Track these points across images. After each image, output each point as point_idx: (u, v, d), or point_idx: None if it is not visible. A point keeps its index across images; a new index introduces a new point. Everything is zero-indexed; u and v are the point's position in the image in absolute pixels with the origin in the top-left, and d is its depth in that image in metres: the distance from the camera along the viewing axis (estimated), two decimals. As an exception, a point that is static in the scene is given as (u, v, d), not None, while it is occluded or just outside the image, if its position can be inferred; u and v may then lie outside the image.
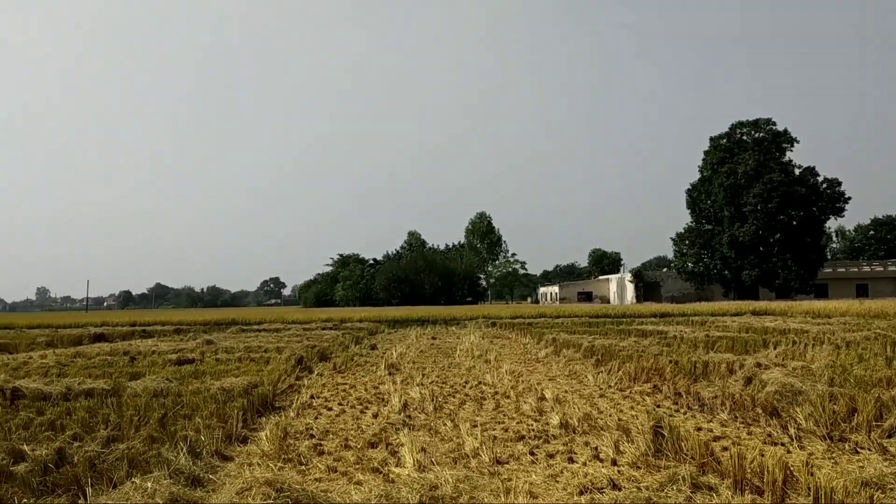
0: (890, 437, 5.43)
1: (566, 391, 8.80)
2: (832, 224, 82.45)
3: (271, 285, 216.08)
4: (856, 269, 78.34)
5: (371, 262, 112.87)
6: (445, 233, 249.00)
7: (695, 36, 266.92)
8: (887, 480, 4.26)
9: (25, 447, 4.98)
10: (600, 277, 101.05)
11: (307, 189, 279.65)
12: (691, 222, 69.45)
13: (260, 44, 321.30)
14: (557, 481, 4.63)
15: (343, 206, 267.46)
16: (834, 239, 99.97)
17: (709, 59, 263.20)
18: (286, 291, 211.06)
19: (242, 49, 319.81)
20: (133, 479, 4.03)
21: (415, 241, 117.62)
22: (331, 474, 4.86)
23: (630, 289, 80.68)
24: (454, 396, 8.45)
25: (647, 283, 79.71)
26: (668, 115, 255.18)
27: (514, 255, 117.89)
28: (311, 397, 8.50)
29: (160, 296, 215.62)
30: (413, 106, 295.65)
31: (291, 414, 7.33)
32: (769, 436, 5.91)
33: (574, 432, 6.11)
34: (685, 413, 7.16)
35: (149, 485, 3.88)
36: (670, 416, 6.84)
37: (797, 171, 63.49)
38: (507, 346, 16.43)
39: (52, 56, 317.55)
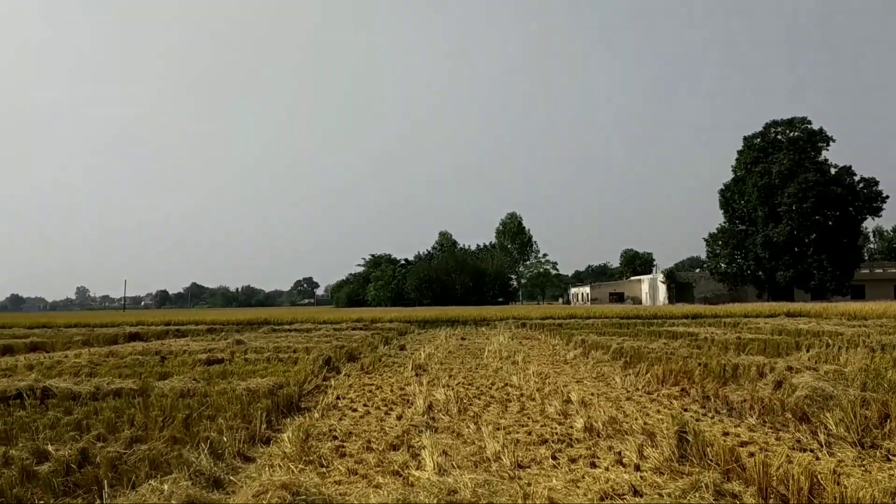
0: (926, 444, 5.25)
1: (592, 394, 8.70)
2: (869, 224, 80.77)
3: (304, 285, 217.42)
4: (894, 270, 76.08)
5: (403, 262, 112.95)
6: (476, 233, 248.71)
7: (731, 35, 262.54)
8: (920, 490, 4.11)
9: (50, 447, 5.08)
10: (632, 278, 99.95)
11: (342, 192, 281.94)
12: (724, 223, 68.37)
13: (322, 44, 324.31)
14: (578, 487, 4.57)
15: (377, 208, 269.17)
16: (871, 239, 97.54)
17: (743, 58, 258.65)
18: (319, 291, 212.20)
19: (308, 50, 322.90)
20: (151, 481, 4.07)
21: (446, 242, 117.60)
22: (350, 476, 4.87)
23: (662, 290, 79.63)
24: (479, 398, 8.42)
25: (680, 284, 78.60)
26: (703, 114, 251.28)
27: (545, 255, 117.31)
28: (337, 398, 8.55)
29: (196, 295, 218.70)
30: (451, 109, 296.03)
31: (316, 415, 7.37)
32: (798, 441, 5.76)
33: (598, 436, 6.03)
34: (713, 417, 7.03)
35: (166, 486, 3.91)
36: (697, 420, 6.73)
37: (833, 171, 62.14)
38: (536, 348, 16.34)
39: (75, 55, 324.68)
